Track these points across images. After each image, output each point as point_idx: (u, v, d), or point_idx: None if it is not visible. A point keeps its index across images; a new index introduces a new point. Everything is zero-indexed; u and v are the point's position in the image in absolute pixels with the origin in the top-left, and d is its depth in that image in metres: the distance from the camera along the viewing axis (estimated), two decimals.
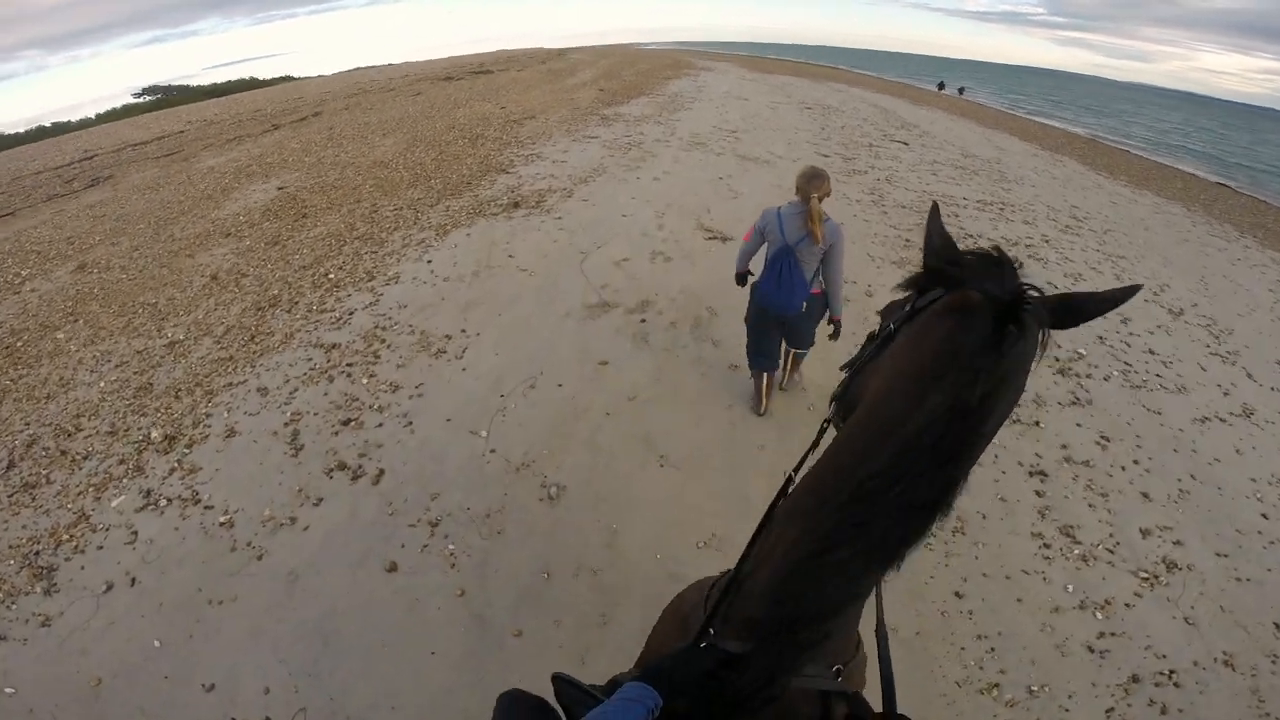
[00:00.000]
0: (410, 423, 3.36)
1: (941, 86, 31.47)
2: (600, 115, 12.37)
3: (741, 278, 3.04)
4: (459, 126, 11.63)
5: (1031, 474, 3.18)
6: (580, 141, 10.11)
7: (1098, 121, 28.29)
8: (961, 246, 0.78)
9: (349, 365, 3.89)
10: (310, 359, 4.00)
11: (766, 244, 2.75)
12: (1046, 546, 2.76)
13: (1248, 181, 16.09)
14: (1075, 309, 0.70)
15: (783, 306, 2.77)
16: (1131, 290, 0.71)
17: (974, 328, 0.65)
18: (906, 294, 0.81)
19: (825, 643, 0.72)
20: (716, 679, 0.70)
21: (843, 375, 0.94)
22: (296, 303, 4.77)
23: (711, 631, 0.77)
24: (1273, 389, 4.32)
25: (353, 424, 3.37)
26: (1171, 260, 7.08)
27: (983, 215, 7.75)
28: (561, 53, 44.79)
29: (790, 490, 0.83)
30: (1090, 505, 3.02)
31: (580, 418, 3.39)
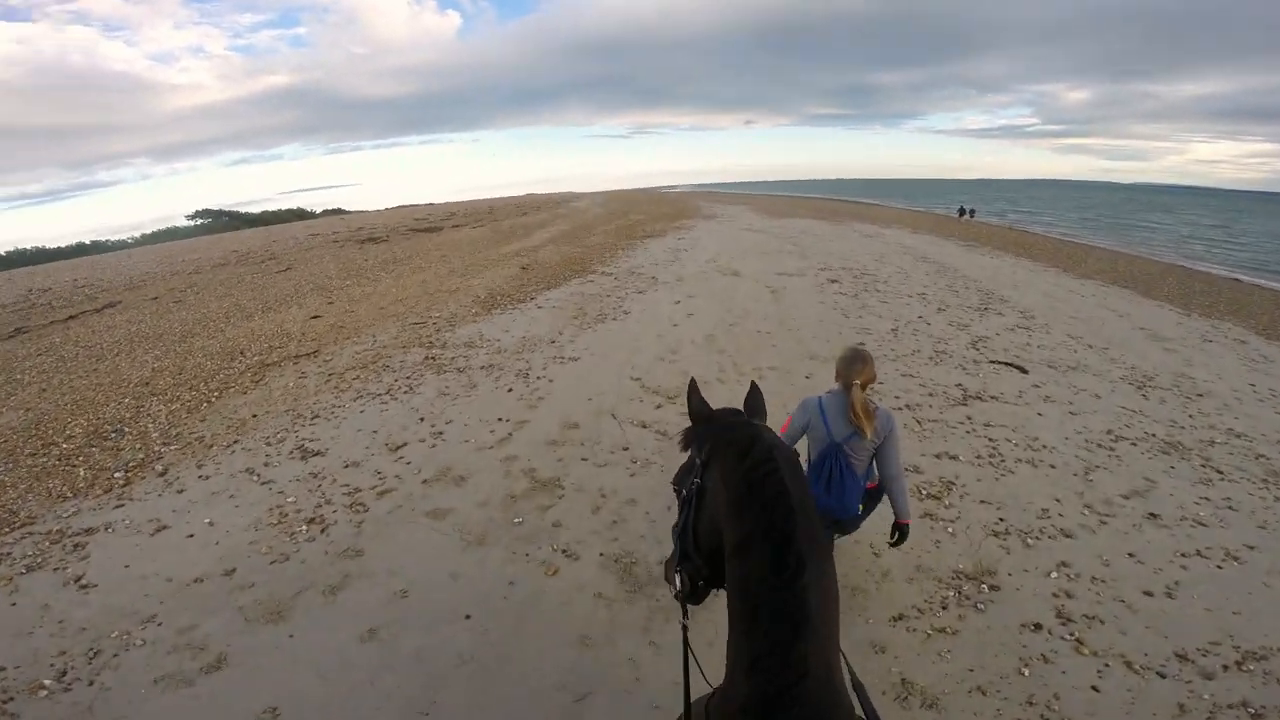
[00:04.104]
0: None
1: (962, 212, 29.46)
2: (439, 348, 6.96)
3: None
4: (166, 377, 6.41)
5: None
6: (276, 463, 4.56)
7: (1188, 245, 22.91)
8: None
9: None
10: None
11: (809, 440, 2.41)
12: None
13: None
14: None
15: (837, 512, 2.37)
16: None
17: (742, 458, 0.96)
18: (688, 452, 1.15)
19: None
20: None
21: (674, 543, 1.15)
22: None
23: None
24: None
25: None
26: None
27: None
28: (565, 200, 44.07)
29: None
30: None
31: None
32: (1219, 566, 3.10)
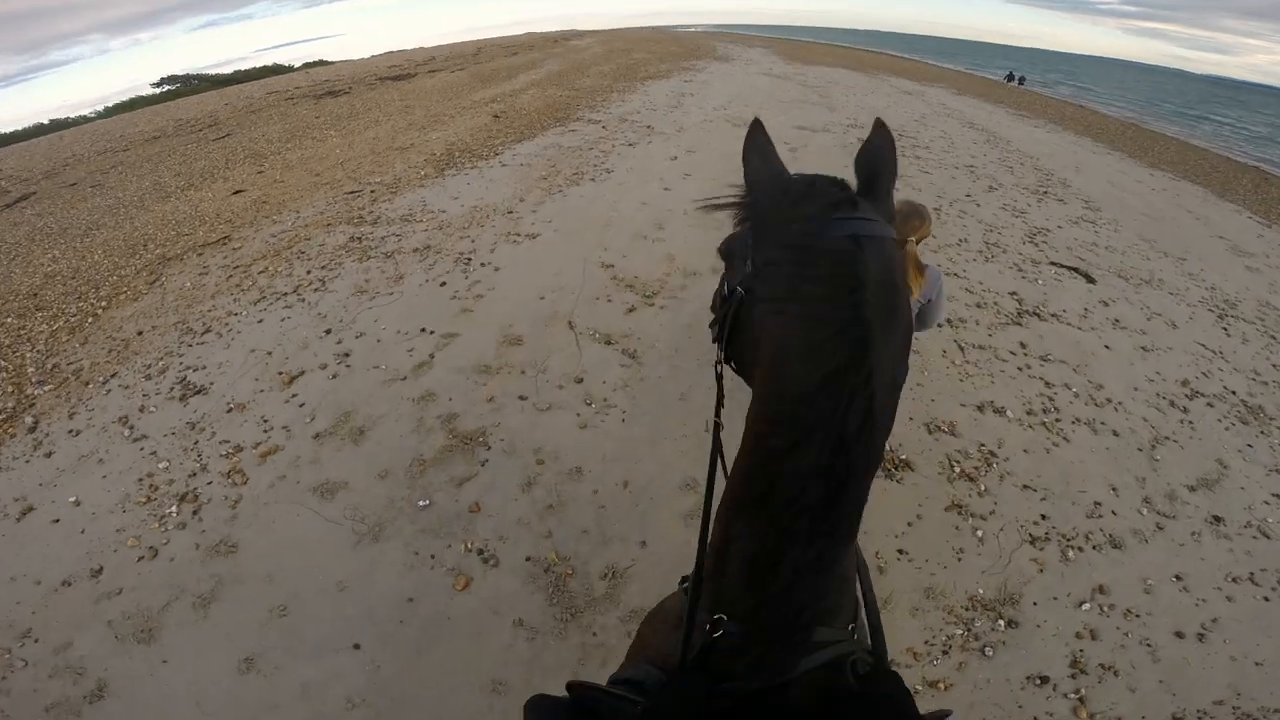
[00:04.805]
0: None
1: (1010, 78, 26.54)
2: (369, 224, 5.56)
3: None
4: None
5: None
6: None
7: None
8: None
9: None
10: None
11: None
12: None
13: None
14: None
15: None
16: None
17: (831, 278, 0.58)
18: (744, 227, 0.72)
19: (838, 602, 0.71)
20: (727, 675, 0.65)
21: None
22: None
23: (724, 618, 0.66)
24: None
25: None
26: None
27: None
28: (565, 39, 38.49)
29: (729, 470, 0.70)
30: None
31: None
32: (1265, 599, 2.51)
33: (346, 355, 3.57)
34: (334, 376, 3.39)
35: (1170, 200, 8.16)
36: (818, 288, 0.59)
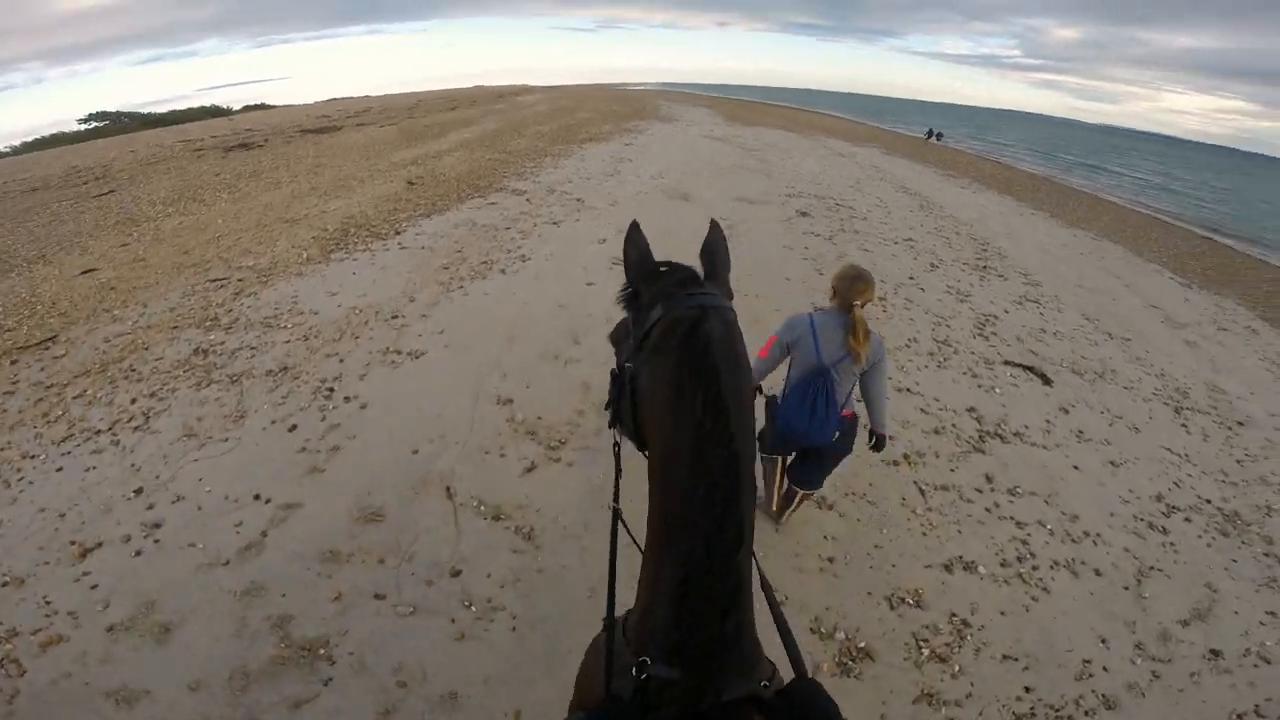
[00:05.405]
0: None
1: (930, 134, 27.69)
2: (224, 330, 4.66)
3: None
4: None
5: None
6: None
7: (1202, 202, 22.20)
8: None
9: None
10: None
11: (793, 361, 2.29)
12: None
13: None
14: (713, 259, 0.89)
15: (814, 437, 2.30)
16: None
17: (691, 346, 0.75)
18: (625, 314, 0.89)
19: (744, 656, 0.75)
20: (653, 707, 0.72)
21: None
22: None
23: (647, 661, 0.75)
24: None
25: None
26: None
27: None
28: (513, 93, 38.86)
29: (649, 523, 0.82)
30: None
31: None
32: None
33: (156, 526, 2.73)
34: (137, 554, 2.60)
35: (1098, 265, 8.25)
36: (678, 346, 0.76)
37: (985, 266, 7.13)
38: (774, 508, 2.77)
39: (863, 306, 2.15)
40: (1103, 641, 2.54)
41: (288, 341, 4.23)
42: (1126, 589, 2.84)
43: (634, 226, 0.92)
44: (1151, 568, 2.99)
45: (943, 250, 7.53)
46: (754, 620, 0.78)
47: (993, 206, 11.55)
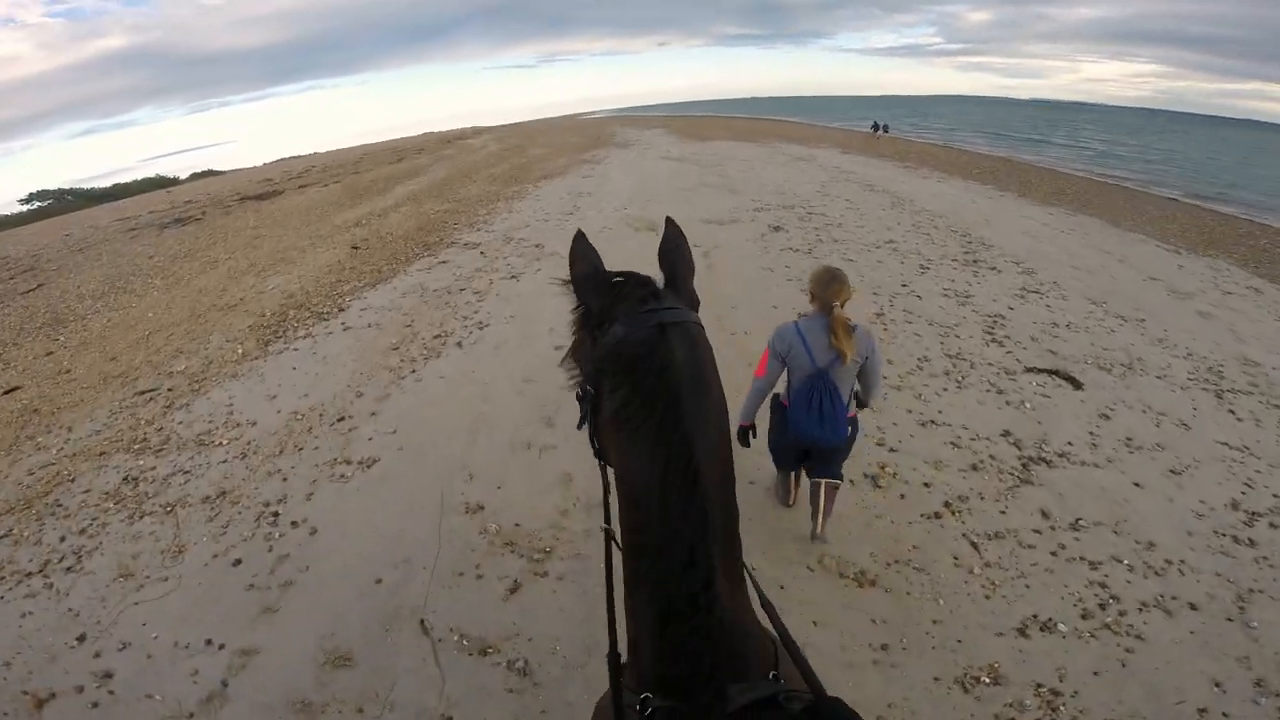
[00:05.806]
0: None
1: (876, 127, 26.43)
2: (154, 453, 4.05)
3: (744, 433, 2.48)
4: None
5: None
6: None
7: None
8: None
9: None
10: None
11: (789, 369, 2.33)
12: None
13: None
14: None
15: (825, 439, 2.30)
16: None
17: (650, 372, 0.70)
18: (581, 334, 0.85)
19: (738, 657, 0.73)
20: None
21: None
22: None
23: (649, 696, 0.71)
24: None
25: None
26: None
27: None
28: (461, 137, 38.72)
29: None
30: None
31: None
32: None
33: (108, 676, 2.41)
34: (94, 705, 2.30)
35: (1083, 242, 8.00)
36: (636, 371, 0.71)
37: (975, 260, 6.81)
38: (792, 501, 2.85)
39: (842, 306, 2.19)
40: (1216, 685, 2.23)
41: (224, 461, 3.66)
42: (1230, 620, 2.48)
43: (579, 237, 0.88)
44: (1250, 590, 2.61)
45: (927, 249, 7.21)
46: (748, 603, 0.77)
47: (961, 194, 11.39)
